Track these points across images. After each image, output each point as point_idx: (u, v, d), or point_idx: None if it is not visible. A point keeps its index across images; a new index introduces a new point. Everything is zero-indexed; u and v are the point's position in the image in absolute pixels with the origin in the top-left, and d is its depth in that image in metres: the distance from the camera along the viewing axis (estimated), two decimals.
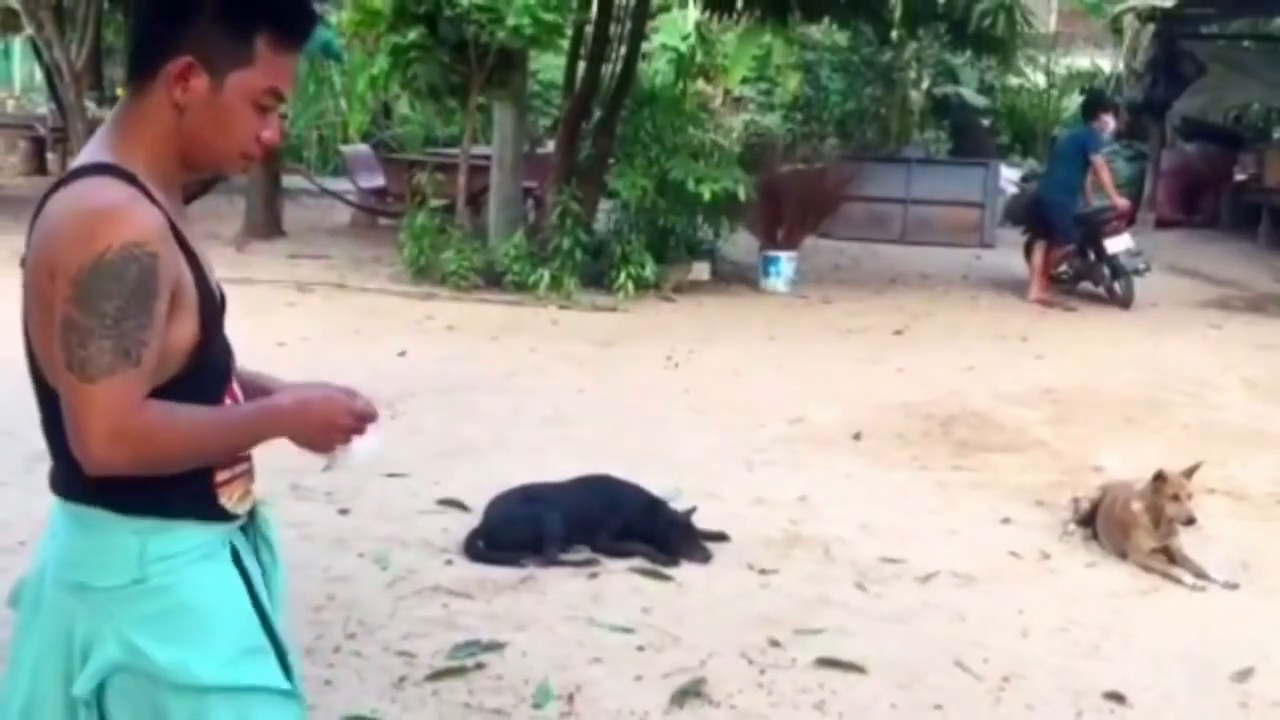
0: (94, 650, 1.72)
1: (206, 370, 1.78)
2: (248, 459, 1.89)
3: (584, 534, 4.59)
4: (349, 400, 1.86)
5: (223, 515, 1.82)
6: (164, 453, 1.68)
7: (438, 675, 3.50)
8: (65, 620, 1.75)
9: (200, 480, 1.77)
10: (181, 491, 1.74)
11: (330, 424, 1.83)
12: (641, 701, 3.43)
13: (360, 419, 1.85)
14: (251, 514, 1.93)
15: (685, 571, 4.42)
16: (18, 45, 21.66)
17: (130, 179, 1.69)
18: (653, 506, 4.71)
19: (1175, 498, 4.63)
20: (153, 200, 1.69)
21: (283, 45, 1.76)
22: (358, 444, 1.87)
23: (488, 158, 11.22)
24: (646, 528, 4.61)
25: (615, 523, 4.63)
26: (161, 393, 1.68)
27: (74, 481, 1.71)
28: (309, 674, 3.45)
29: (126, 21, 19.40)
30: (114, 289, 1.60)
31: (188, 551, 1.76)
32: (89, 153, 1.74)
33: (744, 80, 18.28)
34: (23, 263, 1.69)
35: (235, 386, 1.89)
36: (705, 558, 4.54)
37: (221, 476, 1.81)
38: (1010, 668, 3.76)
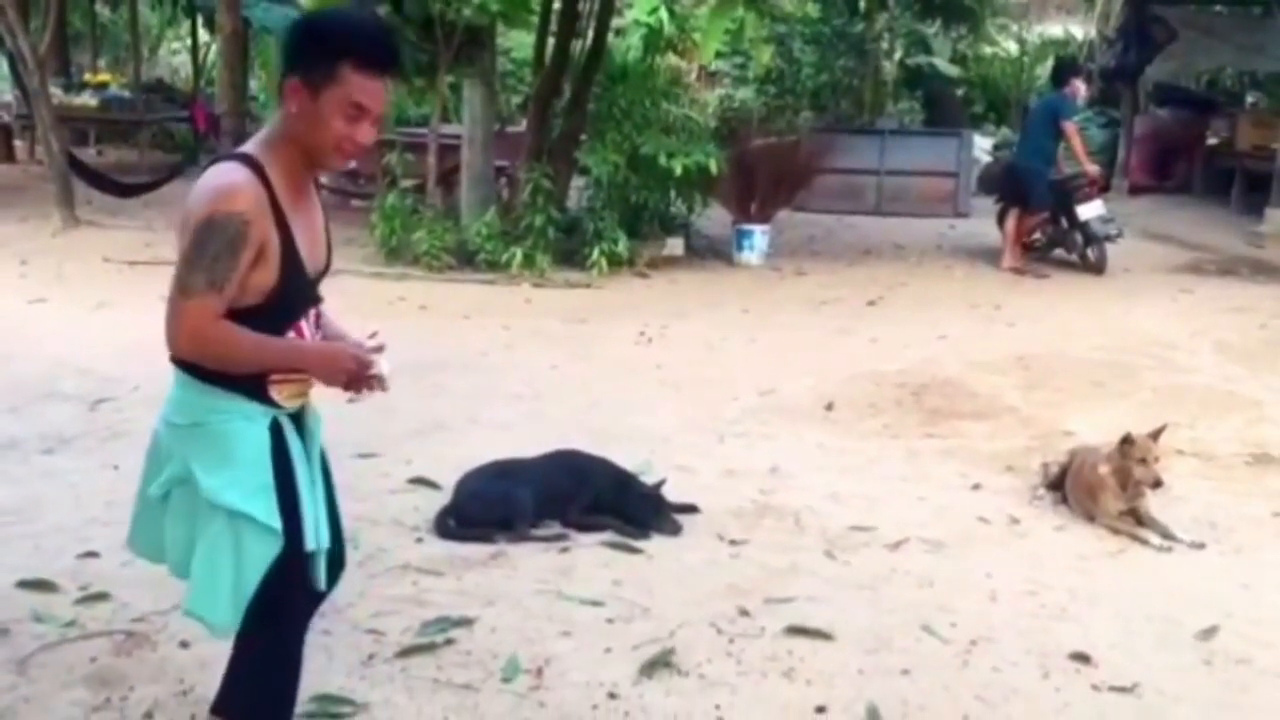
0: (166, 466, 2.55)
1: (277, 307, 2.47)
2: (302, 373, 2.56)
3: (554, 509, 4.59)
4: (355, 350, 2.54)
5: (269, 401, 2.52)
6: (222, 355, 2.43)
7: (407, 652, 3.50)
8: (159, 442, 2.60)
9: (253, 380, 2.50)
10: (241, 376, 2.48)
11: (339, 366, 2.52)
12: (610, 673, 3.44)
13: (363, 365, 2.52)
14: (302, 412, 2.64)
15: (655, 544, 4.43)
16: None
17: (255, 167, 2.40)
18: (623, 480, 4.72)
19: (1142, 461, 4.66)
20: (266, 184, 2.39)
21: (365, 70, 2.40)
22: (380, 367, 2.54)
23: (459, 137, 11.16)
24: (617, 501, 4.62)
25: (585, 497, 4.63)
26: (240, 313, 2.39)
27: None
28: None
29: (91, 7, 19.29)
30: (217, 239, 2.33)
31: (234, 412, 2.49)
32: (245, 144, 2.49)
33: (718, 54, 18.21)
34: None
35: (305, 325, 2.57)
36: (676, 530, 4.55)
37: (275, 376, 2.52)
38: (978, 631, 3.78)
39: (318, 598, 2.75)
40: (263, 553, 2.48)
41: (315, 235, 2.56)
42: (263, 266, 2.40)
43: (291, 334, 2.53)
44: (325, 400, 2.72)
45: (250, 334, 2.41)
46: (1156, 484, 4.65)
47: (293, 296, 2.51)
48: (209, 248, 2.33)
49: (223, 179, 2.38)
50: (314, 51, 2.41)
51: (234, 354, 2.43)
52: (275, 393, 2.53)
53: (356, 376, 2.53)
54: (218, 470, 2.46)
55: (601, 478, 4.71)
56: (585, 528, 4.54)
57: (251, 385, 2.49)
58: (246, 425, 2.50)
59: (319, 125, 2.41)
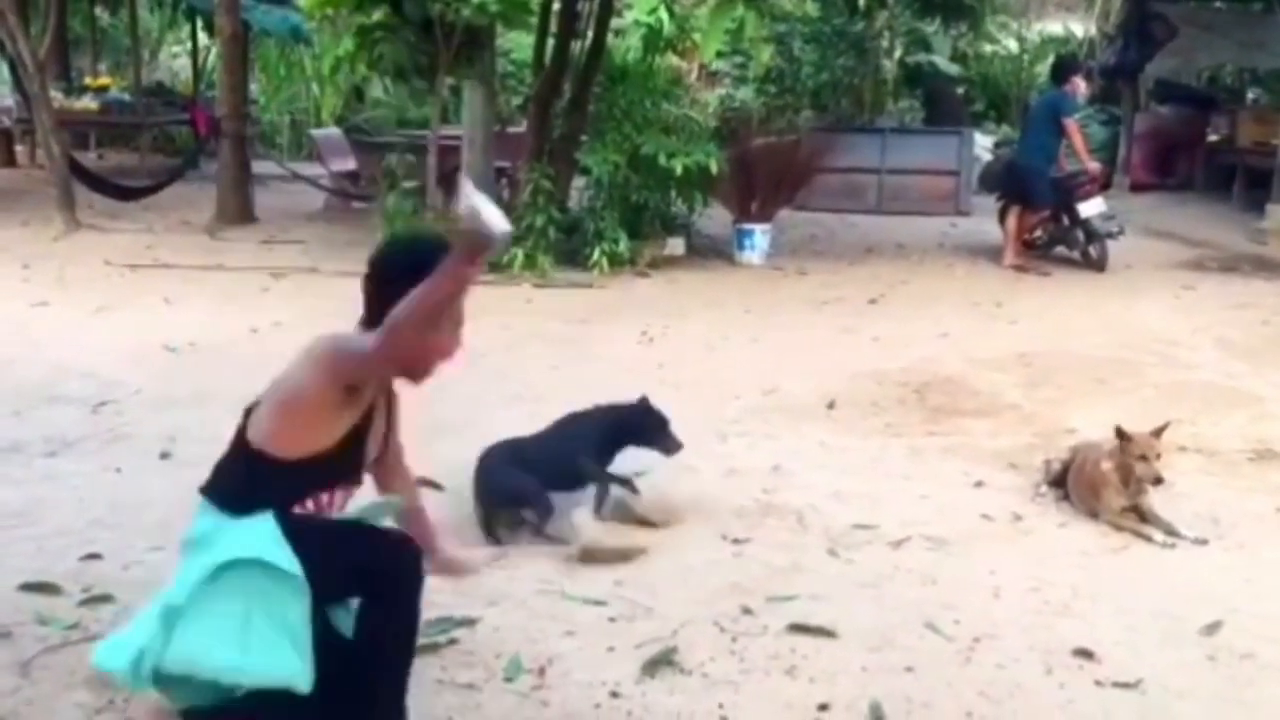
0: None
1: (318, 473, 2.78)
2: None
3: (570, 480, 4.73)
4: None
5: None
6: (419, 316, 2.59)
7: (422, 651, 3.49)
8: None
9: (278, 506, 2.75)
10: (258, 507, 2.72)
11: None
12: (613, 672, 3.43)
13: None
14: None
15: (658, 542, 4.43)
16: None
17: None
18: (620, 414, 4.89)
19: (1143, 458, 4.65)
20: None
21: None
22: None
23: (459, 138, 11.17)
24: (626, 434, 4.81)
25: (593, 446, 4.77)
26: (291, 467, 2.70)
27: None
28: None
29: (91, 10, 19.30)
30: None
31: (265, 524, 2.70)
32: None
33: (718, 54, 18.21)
34: None
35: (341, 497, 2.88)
36: (678, 446, 4.76)
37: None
38: (981, 628, 3.78)
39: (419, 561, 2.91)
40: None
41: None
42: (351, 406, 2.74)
43: (325, 498, 2.83)
44: None
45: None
46: (1157, 481, 4.65)
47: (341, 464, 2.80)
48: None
49: None
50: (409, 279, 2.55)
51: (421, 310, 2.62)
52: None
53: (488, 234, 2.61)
54: None
55: (602, 423, 4.85)
56: (600, 480, 4.73)
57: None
58: None
59: (421, 344, 2.69)
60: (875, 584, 4.14)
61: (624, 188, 10.40)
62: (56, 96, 13.89)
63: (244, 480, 2.71)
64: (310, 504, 2.77)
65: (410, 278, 2.53)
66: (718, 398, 6.52)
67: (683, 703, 3.28)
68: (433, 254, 2.55)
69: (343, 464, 2.79)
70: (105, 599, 3.79)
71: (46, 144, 12.08)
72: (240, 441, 2.74)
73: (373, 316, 2.69)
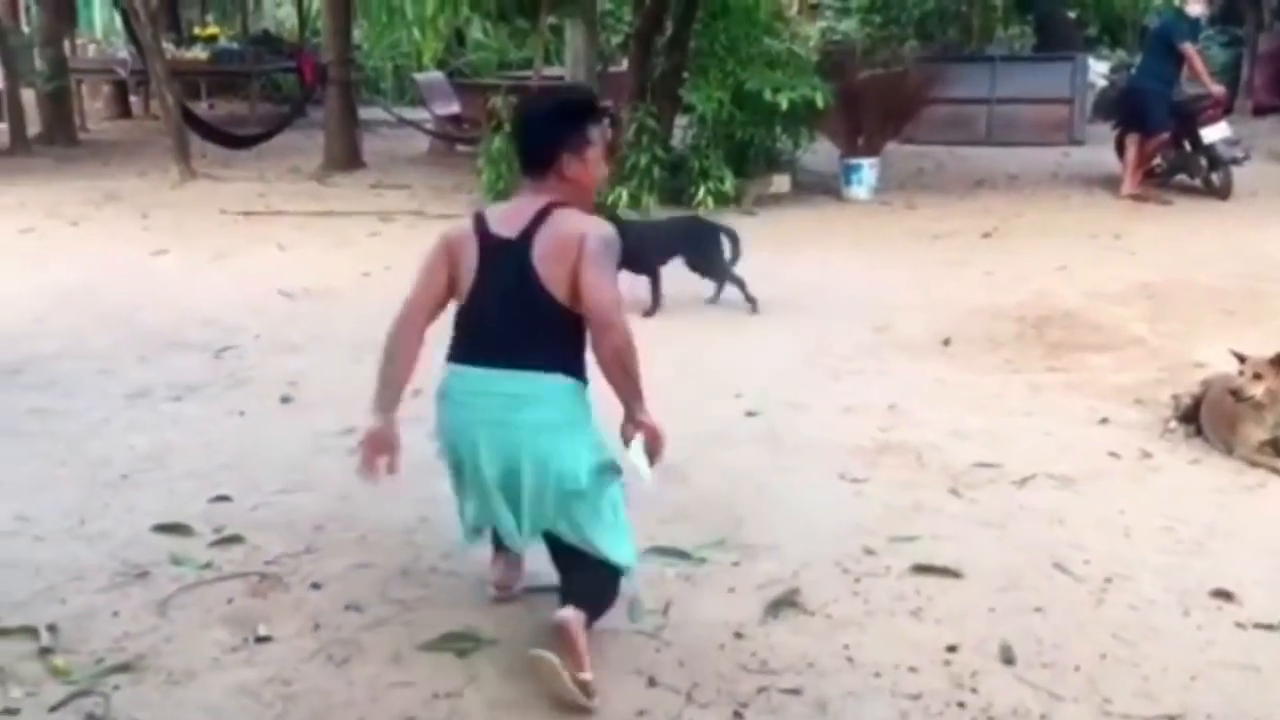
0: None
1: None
2: None
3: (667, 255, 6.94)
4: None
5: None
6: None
7: (531, 592, 3.51)
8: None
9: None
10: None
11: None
12: (736, 613, 3.41)
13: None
14: None
15: (775, 484, 4.39)
16: None
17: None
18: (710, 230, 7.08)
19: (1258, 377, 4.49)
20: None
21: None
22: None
23: (561, 78, 11.11)
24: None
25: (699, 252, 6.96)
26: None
27: None
28: (405, 595, 3.51)
29: None
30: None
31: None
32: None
33: None
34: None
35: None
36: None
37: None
38: (1112, 569, 3.68)
39: None
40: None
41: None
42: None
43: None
44: None
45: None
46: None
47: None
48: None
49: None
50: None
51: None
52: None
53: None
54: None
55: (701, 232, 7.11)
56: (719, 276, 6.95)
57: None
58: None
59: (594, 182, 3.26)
60: (1000, 524, 4.06)
61: (728, 124, 10.29)
62: (168, 48, 14.14)
63: (564, 340, 3.12)
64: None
65: (560, 125, 3.16)
66: (829, 335, 6.42)
67: (808, 644, 3.25)
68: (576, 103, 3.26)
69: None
70: (236, 539, 3.88)
71: (161, 95, 12.31)
72: (550, 305, 3.08)
73: (534, 163, 3.19)
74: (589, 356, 3.14)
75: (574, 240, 3.06)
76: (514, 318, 3.10)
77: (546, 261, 3.07)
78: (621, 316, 3.06)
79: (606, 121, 3.24)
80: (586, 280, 3.03)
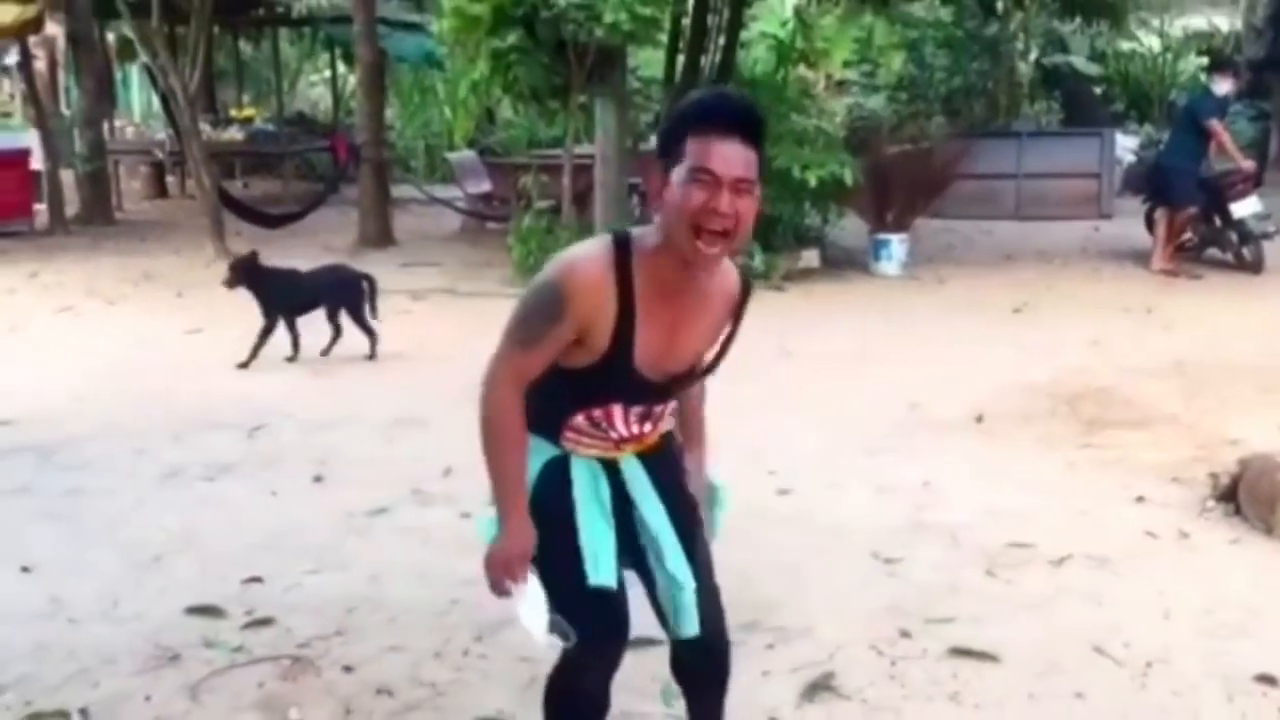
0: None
1: (590, 382, 2.42)
2: (605, 441, 2.53)
3: None
4: (504, 569, 2.49)
5: (561, 448, 2.53)
6: (486, 418, 2.41)
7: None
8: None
9: (551, 427, 2.50)
10: (540, 424, 2.47)
11: (492, 560, 2.50)
12: (771, 697, 3.37)
13: (495, 583, 2.52)
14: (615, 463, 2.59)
15: (809, 564, 4.35)
16: (135, 73, 22.40)
17: (622, 247, 2.36)
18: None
19: None
20: (624, 268, 2.34)
21: (701, 134, 2.27)
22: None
23: (592, 156, 11.23)
24: None
25: None
26: (563, 369, 2.39)
27: None
28: (437, 678, 3.48)
29: (235, 44, 20.00)
30: (535, 304, 2.35)
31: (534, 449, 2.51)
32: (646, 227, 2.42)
33: (846, 63, 18.04)
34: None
35: (617, 413, 2.49)
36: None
37: (569, 434, 2.51)
38: (1153, 652, 3.62)
39: (620, 640, 2.68)
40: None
41: (673, 338, 2.48)
42: (585, 348, 2.37)
43: (599, 413, 2.48)
44: None
45: (512, 431, 2.42)
46: None
47: (607, 383, 2.44)
48: (529, 308, 2.38)
49: (576, 251, 2.41)
50: (664, 140, 2.35)
51: (490, 429, 2.42)
52: (568, 443, 2.54)
53: (492, 580, 2.53)
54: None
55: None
56: None
57: (548, 430, 2.52)
58: (535, 460, 2.54)
59: (674, 209, 2.27)
60: (1037, 605, 4.00)
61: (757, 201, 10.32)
62: (204, 129, 14.41)
63: None
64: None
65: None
66: (862, 413, 6.41)
67: None
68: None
69: (614, 378, 2.52)
70: (267, 622, 3.87)
71: (198, 175, 12.51)
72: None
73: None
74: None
75: None
76: None
77: None
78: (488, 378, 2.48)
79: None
80: None
